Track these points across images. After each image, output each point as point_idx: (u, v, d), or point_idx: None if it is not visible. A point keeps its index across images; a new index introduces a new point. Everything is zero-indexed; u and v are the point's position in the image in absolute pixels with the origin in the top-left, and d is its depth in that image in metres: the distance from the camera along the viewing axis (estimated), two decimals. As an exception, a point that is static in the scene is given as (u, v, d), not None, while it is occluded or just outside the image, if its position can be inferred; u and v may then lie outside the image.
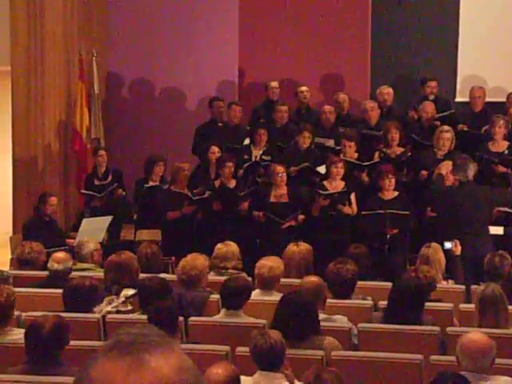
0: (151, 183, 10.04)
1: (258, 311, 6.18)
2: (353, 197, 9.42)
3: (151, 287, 6.11)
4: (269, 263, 6.76)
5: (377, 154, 9.95)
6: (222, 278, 6.62)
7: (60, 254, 7.30)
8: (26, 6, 10.60)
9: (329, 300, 6.28)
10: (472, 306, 6.10)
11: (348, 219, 9.34)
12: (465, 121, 10.44)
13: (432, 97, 10.79)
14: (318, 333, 5.47)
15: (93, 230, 9.16)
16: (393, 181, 9.17)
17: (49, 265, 7.18)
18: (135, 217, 10.24)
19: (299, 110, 11.13)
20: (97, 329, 6.02)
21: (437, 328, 5.84)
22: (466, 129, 10.27)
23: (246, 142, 10.50)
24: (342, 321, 6.08)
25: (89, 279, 6.29)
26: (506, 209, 8.86)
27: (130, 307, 6.33)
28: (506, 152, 9.78)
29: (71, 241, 9.23)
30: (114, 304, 6.32)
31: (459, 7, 11.85)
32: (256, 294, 6.59)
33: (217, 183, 9.72)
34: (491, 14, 11.77)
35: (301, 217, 9.32)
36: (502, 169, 9.58)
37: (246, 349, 4.90)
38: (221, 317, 6.08)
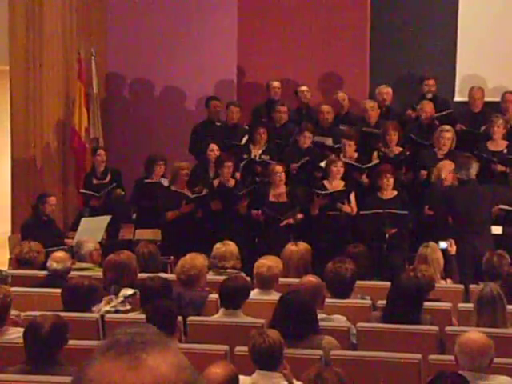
0: (150, 180, 10.03)
1: (256, 311, 6.18)
2: (352, 196, 9.42)
3: (152, 287, 6.11)
4: (268, 262, 6.77)
5: (375, 153, 9.95)
6: (221, 278, 6.62)
7: (59, 254, 7.31)
8: (24, 6, 10.61)
9: (327, 299, 6.28)
10: (471, 305, 6.10)
11: (347, 219, 9.35)
12: (464, 121, 10.45)
13: (430, 95, 10.79)
14: (316, 332, 5.47)
15: (91, 230, 9.16)
16: (391, 180, 9.17)
17: (48, 264, 7.18)
18: (134, 216, 10.24)
19: (300, 109, 11.13)
20: (95, 328, 6.03)
21: (435, 327, 5.84)
22: (464, 128, 10.27)
23: (244, 140, 10.48)
24: (340, 320, 6.08)
25: (88, 279, 6.29)
26: (507, 207, 8.85)
27: (128, 307, 6.33)
28: (505, 151, 9.79)
29: (69, 240, 9.24)
30: (113, 304, 6.32)
31: (458, 7, 11.85)
32: (255, 294, 6.60)
33: (215, 182, 9.72)
34: (490, 13, 11.76)
35: (299, 215, 9.33)
36: (501, 168, 9.59)
37: (245, 348, 4.90)
38: (219, 316, 6.08)
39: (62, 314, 5.48)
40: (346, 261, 6.61)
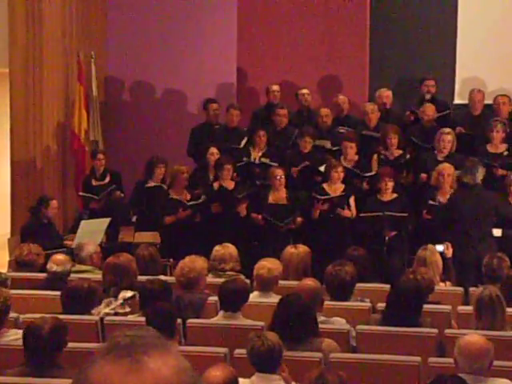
0: (151, 183, 10.03)
1: (256, 313, 6.18)
2: (352, 200, 9.42)
3: (152, 289, 6.11)
4: (267, 264, 6.76)
5: (375, 156, 9.95)
6: (220, 280, 6.62)
7: (59, 256, 7.31)
8: (24, 8, 10.61)
9: (327, 302, 6.28)
10: (470, 308, 6.10)
11: (347, 221, 9.35)
12: (463, 123, 10.44)
13: (428, 96, 10.79)
14: (316, 335, 5.47)
15: (91, 232, 9.16)
16: (389, 184, 9.16)
17: (47, 267, 7.19)
18: (134, 219, 10.24)
19: (300, 112, 11.13)
20: (95, 331, 6.02)
21: (435, 330, 5.84)
22: (463, 131, 10.28)
23: (243, 143, 10.48)
24: (340, 323, 6.08)
25: (87, 281, 6.29)
26: None
27: (128, 309, 6.33)
28: (506, 153, 9.79)
29: (69, 243, 9.23)
30: (113, 306, 6.32)
31: (457, 10, 11.86)
32: (254, 296, 6.60)
33: (215, 185, 9.73)
34: (489, 16, 11.77)
35: (299, 219, 9.33)
36: (501, 172, 9.58)
37: (244, 351, 4.90)
38: (219, 319, 6.08)
39: (62, 316, 5.48)
40: (345, 263, 6.61)
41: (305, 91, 11.14)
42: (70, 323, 5.37)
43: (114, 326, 5.91)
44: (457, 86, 11.87)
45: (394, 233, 9.04)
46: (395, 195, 9.23)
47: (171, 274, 8.03)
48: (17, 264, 7.85)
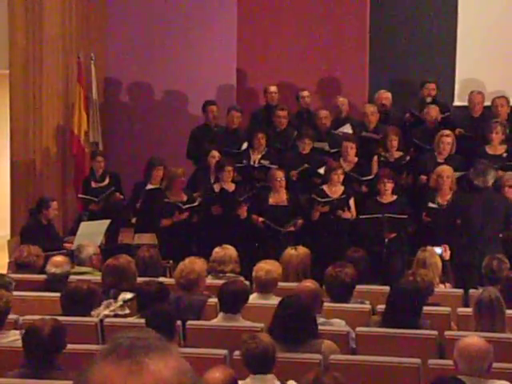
0: (150, 186, 10.03)
1: (255, 315, 6.18)
2: (351, 202, 9.42)
3: (149, 291, 6.10)
4: (267, 266, 6.76)
5: (375, 158, 9.96)
6: (220, 282, 6.61)
7: (58, 258, 7.30)
8: (24, 10, 10.61)
9: (327, 304, 6.28)
10: (470, 310, 6.10)
11: (346, 223, 9.35)
12: (463, 125, 10.45)
13: (429, 99, 10.80)
14: (316, 336, 5.47)
15: (91, 234, 9.16)
16: (388, 185, 9.15)
17: (47, 268, 7.18)
18: (134, 220, 10.23)
19: (301, 113, 11.13)
20: (94, 332, 6.02)
21: (434, 332, 5.84)
22: (463, 132, 10.28)
23: (244, 146, 10.49)
24: (340, 324, 6.08)
25: (87, 283, 6.28)
26: None
27: (127, 311, 6.32)
28: (505, 155, 9.78)
29: (69, 244, 9.23)
30: (112, 308, 6.32)
31: (457, 11, 11.86)
32: (254, 298, 6.60)
33: (216, 187, 9.73)
34: (489, 17, 11.77)
35: (299, 221, 9.33)
36: (501, 174, 9.56)
37: (244, 353, 4.90)
38: (218, 321, 6.08)
39: (61, 318, 5.48)
40: (345, 265, 6.61)
41: (305, 93, 11.14)
42: (70, 325, 5.37)
43: (113, 328, 5.91)
44: (456, 88, 11.87)
45: (393, 235, 9.04)
46: (395, 197, 9.23)
47: (171, 276, 8.02)
48: (16, 265, 7.85)
